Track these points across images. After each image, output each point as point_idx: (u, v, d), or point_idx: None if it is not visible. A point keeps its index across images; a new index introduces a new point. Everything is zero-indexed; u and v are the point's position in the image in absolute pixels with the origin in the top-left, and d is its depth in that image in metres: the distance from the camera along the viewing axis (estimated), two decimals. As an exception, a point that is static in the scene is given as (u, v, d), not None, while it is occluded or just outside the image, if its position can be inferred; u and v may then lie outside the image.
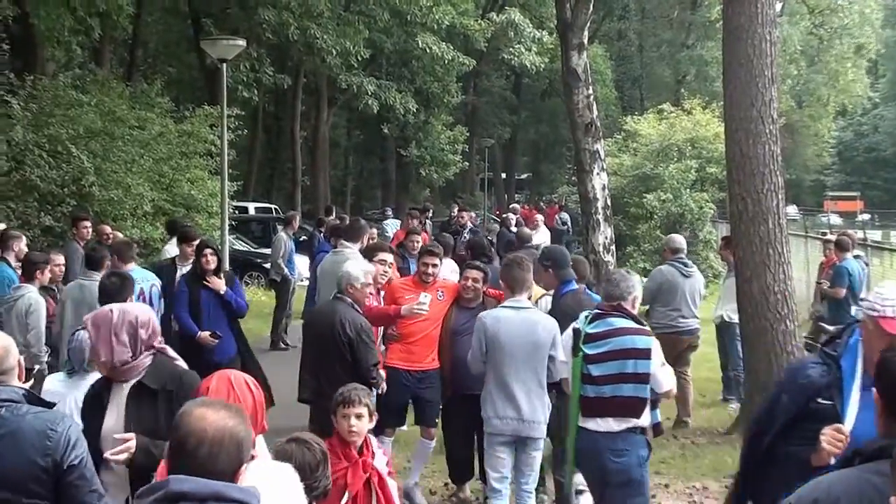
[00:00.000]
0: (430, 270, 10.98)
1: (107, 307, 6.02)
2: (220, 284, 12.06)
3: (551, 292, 10.22)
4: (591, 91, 18.97)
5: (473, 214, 39.07)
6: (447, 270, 13.08)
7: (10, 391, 4.86)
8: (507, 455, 9.02)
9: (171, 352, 6.19)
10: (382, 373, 10.01)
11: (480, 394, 9.19)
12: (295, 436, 5.40)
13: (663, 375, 7.95)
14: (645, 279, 15.27)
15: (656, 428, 8.39)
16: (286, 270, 20.29)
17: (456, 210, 27.14)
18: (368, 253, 12.04)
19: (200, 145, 25.07)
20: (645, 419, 7.90)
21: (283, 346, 19.86)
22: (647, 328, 8.29)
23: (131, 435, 5.66)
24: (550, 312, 9.60)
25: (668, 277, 14.24)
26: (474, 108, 61.29)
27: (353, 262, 10.45)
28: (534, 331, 8.90)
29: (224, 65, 19.26)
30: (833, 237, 18.27)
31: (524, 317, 8.98)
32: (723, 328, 15.40)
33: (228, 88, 23.49)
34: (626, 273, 8.48)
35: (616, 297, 8.11)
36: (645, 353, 7.85)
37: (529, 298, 9.33)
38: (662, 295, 14.17)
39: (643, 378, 7.82)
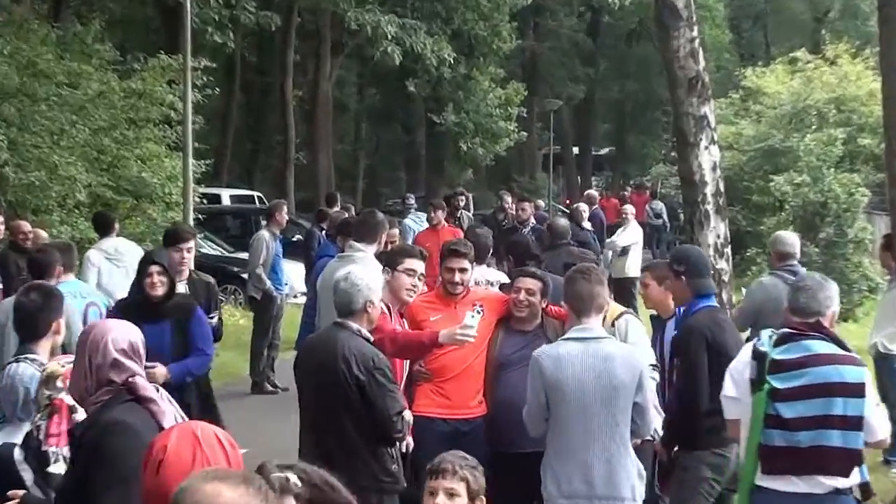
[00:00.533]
0: (458, 278, 10.95)
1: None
2: (159, 374, 10.35)
3: (627, 311, 10.22)
4: (695, 33, 18.91)
5: (540, 204, 39.12)
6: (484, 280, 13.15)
7: None
8: None
9: (150, 392, 6.40)
10: (409, 418, 9.75)
11: (534, 452, 9.20)
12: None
13: (878, 419, 7.92)
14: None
15: (864, 489, 8.20)
16: (268, 283, 20.17)
17: (509, 199, 27.35)
18: (391, 259, 11.82)
19: (155, 110, 25.07)
20: (854, 477, 7.87)
21: (270, 388, 19.84)
22: (857, 356, 8.12)
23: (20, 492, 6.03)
24: (680, 336, 9.72)
25: (772, 294, 13.89)
26: (535, 58, 61.29)
27: (362, 270, 10.34)
28: (611, 369, 8.75)
29: (187, -1, 19.36)
30: None
31: (595, 350, 8.83)
32: (880, 361, 15.25)
33: (193, 30, 23.61)
34: (822, 280, 8.39)
35: (812, 313, 8.04)
36: (857, 390, 7.76)
37: (603, 322, 9.28)
38: (766, 318, 13.92)
39: (855, 423, 7.76)
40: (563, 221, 20.03)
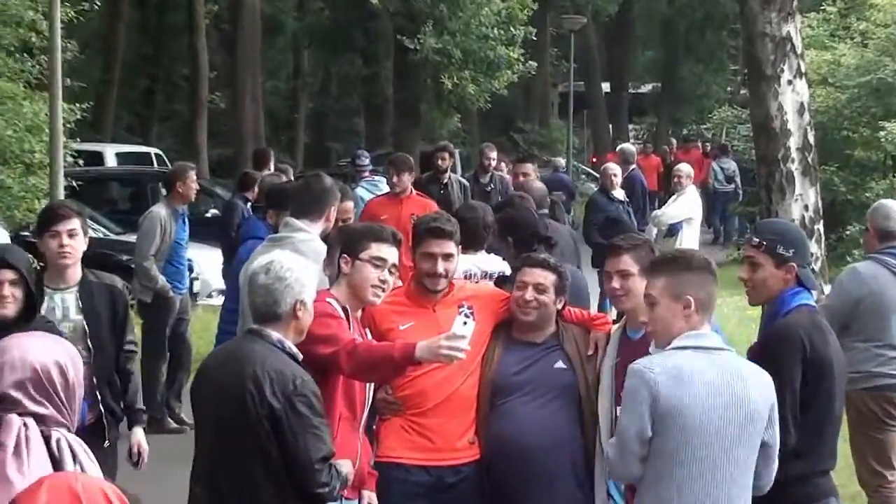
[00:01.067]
0: (440, 268, 10.57)
1: None
2: None
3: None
4: (775, -80, 19.02)
5: (559, 163, 39.09)
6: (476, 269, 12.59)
7: None
8: None
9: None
10: (347, 470, 9.21)
11: None
12: None
13: None
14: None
15: None
16: (160, 280, 19.98)
17: (493, 155, 27.18)
18: (351, 243, 11.34)
19: (10, 33, 25.17)
20: None
21: (173, 425, 19.92)
22: None
23: None
24: (766, 344, 9.65)
25: (871, 286, 14.00)
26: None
27: (291, 259, 10.00)
28: (744, 394, 8.52)
29: None
30: None
31: (722, 364, 8.60)
32: None
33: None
34: None
35: None
36: None
37: None
38: (862, 318, 14.03)
39: None
40: (539, 185, 19.86)
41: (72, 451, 6.43)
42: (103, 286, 11.45)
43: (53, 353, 6.65)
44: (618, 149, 36.33)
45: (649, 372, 8.34)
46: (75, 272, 11.12)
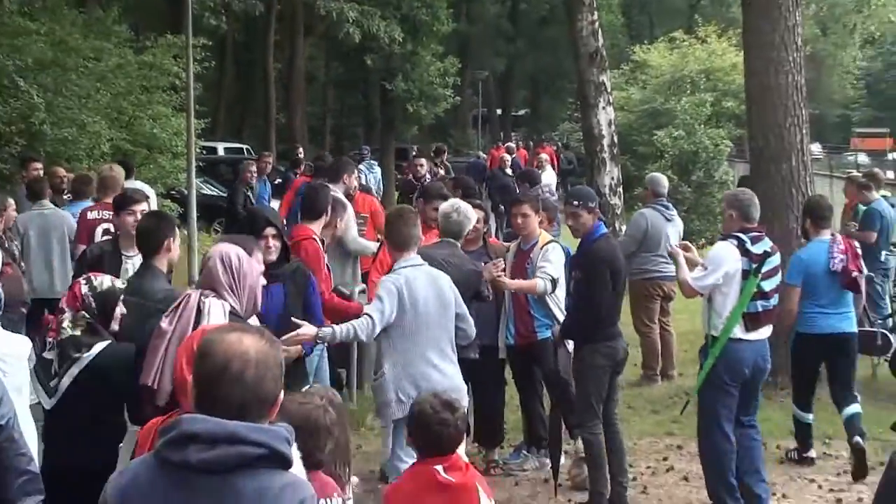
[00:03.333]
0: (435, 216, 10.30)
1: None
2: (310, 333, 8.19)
3: (555, 237, 10.22)
4: (595, 17, 18.91)
5: (480, 155, 38.82)
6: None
7: None
8: None
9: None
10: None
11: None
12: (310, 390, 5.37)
13: None
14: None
15: None
16: None
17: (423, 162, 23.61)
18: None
19: (163, 78, 24.86)
20: None
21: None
22: None
23: None
24: (578, 258, 9.69)
25: (652, 222, 14.17)
26: (467, 38, 60.99)
27: None
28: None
29: (188, -11, 19.08)
30: (858, 176, 18.17)
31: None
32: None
33: (194, 15, 23.30)
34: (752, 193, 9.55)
35: (756, 220, 9.37)
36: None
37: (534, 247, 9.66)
38: (648, 240, 14.13)
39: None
40: (536, 171, 20.06)
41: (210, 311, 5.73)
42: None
43: (221, 250, 5.98)
44: (505, 146, 36.34)
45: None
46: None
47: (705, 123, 31.82)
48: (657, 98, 34.20)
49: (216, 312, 5.73)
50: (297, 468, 3.37)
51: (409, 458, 7.07)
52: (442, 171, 23.04)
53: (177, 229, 7.96)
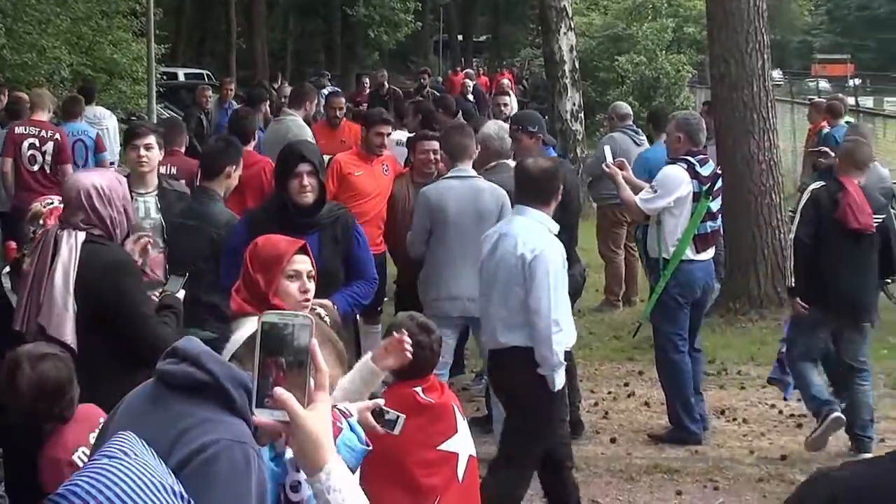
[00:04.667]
0: (380, 141, 10.52)
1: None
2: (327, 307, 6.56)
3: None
4: (557, -59, 18.84)
5: (438, 80, 38.67)
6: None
7: None
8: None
9: None
10: None
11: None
12: (35, 352, 5.35)
13: None
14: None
15: None
16: None
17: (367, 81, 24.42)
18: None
19: (123, 3, 24.70)
20: None
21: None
22: None
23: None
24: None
25: (621, 146, 13.95)
26: (428, -38, 60.66)
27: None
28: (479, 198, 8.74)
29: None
30: (822, 102, 18.26)
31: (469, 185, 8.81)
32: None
33: (154, -61, 23.12)
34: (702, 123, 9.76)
35: (703, 143, 9.67)
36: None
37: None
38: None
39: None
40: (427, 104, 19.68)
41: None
42: (174, 192, 8.51)
43: (91, 179, 5.90)
44: (464, 71, 36.16)
45: (425, 191, 9.17)
46: (153, 179, 8.43)
47: (667, 49, 31.89)
48: (618, 24, 34.13)
49: (68, 246, 5.76)
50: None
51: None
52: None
53: (241, 159, 8.06)
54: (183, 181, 9.31)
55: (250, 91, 20.07)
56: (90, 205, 5.79)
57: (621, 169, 9.86)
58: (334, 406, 4.97)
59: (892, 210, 10.64)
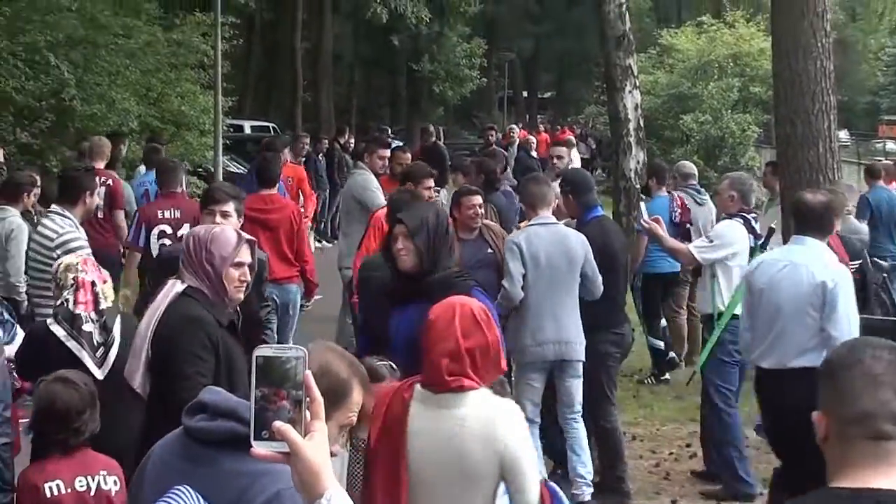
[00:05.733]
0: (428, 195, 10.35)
1: None
2: None
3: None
4: (623, 0, 18.87)
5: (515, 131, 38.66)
6: None
7: None
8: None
9: None
10: None
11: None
12: (59, 374, 5.45)
13: None
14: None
15: None
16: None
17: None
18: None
19: (192, 56, 24.96)
20: None
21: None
22: None
23: None
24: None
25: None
26: (493, 19, 60.87)
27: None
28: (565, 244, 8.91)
29: (217, -34, 19.14)
30: (874, 165, 18.26)
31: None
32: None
33: (222, -7, 23.35)
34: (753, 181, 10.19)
35: (753, 203, 10.19)
36: None
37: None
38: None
39: None
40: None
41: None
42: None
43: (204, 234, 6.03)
44: (508, 127, 36.11)
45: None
46: None
47: (732, 108, 31.81)
48: (684, 82, 34.08)
49: (164, 294, 5.85)
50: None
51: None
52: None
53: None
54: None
55: (271, 139, 20.81)
56: (198, 259, 5.85)
57: (657, 223, 10.17)
58: (543, 481, 5.16)
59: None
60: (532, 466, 5.01)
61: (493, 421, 4.92)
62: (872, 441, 2.97)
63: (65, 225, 9.47)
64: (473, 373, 4.97)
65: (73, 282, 6.83)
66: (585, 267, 8.83)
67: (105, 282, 6.90)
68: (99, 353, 6.65)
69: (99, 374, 6.53)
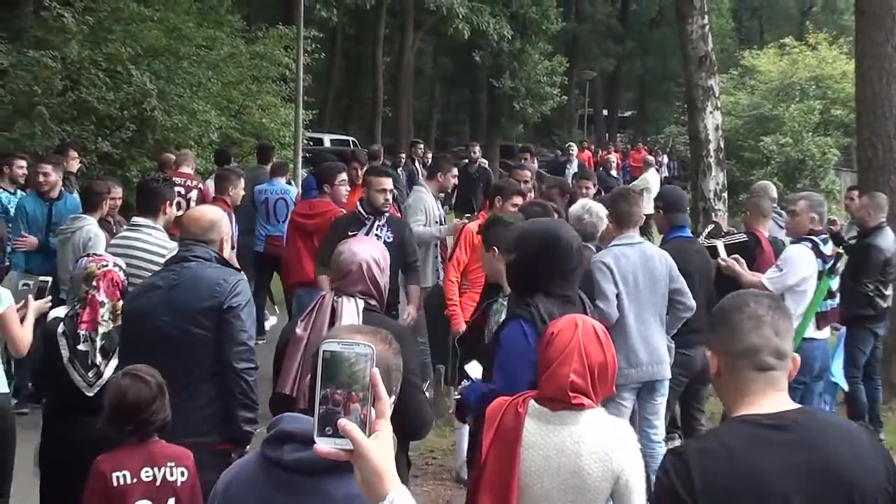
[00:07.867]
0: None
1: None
2: None
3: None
4: (706, 21, 18.70)
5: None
6: None
7: (204, 251, 6.49)
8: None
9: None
10: None
11: None
12: (128, 370, 5.55)
13: None
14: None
15: None
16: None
17: (477, 150, 23.82)
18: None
19: (273, 69, 25.05)
20: None
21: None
22: None
23: None
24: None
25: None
26: (575, 37, 60.80)
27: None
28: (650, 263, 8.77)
29: (301, -20, 19.24)
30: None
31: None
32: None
33: (305, 7, 23.52)
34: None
35: (826, 224, 10.12)
36: None
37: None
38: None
39: None
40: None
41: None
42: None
43: (369, 252, 5.81)
44: (586, 147, 36.05)
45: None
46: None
47: (813, 131, 31.45)
48: (765, 104, 33.77)
49: (349, 312, 5.68)
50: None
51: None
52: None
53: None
54: None
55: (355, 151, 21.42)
56: (370, 276, 5.80)
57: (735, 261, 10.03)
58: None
59: None
60: (641, 487, 4.99)
61: (611, 441, 4.91)
62: (760, 371, 3.56)
63: (163, 237, 9.32)
64: (592, 391, 4.99)
65: (84, 295, 6.87)
66: (675, 282, 8.71)
67: (116, 302, 6.89)
68: (91, 374, 6.74)
69: (89, 392, 6.67)
